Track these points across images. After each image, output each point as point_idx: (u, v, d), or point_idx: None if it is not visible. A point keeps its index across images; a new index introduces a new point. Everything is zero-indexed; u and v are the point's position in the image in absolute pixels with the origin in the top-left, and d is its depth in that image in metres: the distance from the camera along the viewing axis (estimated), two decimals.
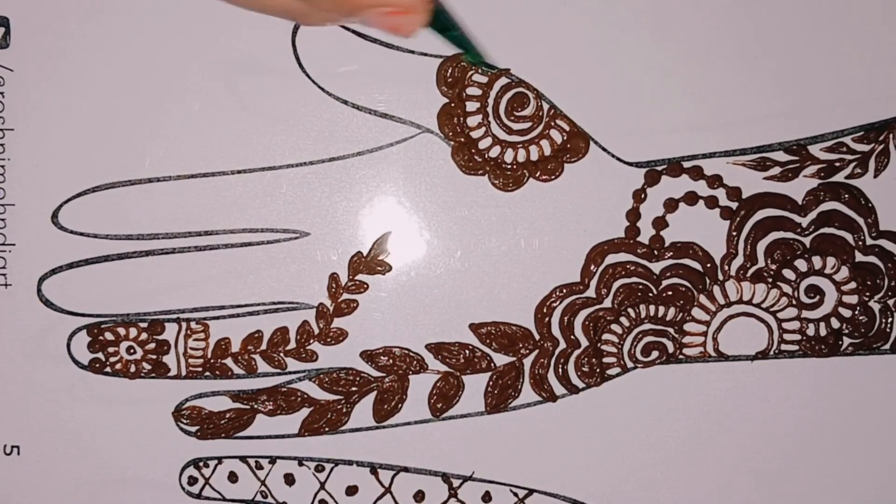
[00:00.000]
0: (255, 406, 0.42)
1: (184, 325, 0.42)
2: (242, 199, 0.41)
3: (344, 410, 0.42)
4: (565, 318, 0.42)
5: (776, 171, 0.41)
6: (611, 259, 0.41)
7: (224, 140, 0.41)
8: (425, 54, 0.41)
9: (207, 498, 0.43)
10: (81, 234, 0.42)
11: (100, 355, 0.42)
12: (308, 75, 0.41)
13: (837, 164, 0.41)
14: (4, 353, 0.42)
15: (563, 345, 0.42)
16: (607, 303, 0.42)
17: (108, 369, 0.42)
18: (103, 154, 0.41)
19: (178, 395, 0.42)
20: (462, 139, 0.41)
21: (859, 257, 0.41)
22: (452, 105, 0.41)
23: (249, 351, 0.42)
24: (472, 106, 0.41)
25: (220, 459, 0.43)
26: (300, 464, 0.43)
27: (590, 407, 0.42)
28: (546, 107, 0.41)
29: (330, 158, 0.41)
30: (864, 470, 0.42)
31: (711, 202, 0.41)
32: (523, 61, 0.41)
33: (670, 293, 0.41)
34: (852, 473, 0.42)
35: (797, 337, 0.42)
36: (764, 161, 0.41)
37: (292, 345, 0.42)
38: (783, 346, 0.42)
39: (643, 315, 0.42)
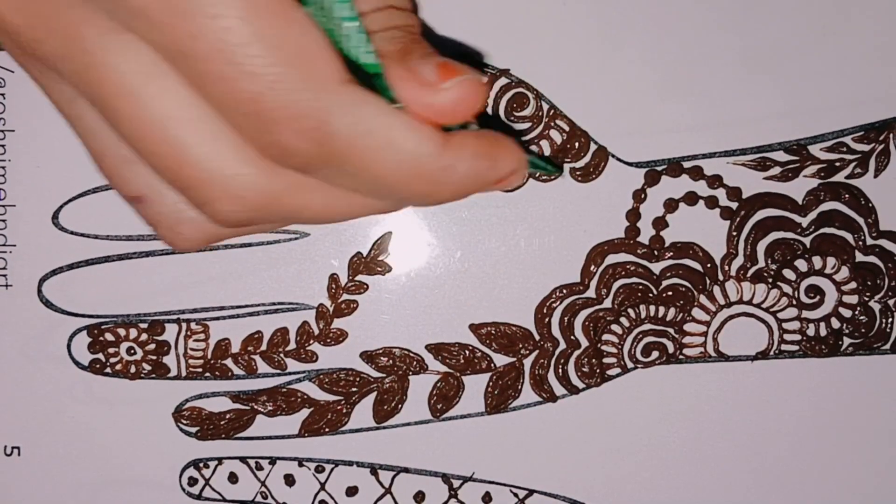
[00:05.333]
0: (256, 407, 0.42)
1: (184, 325, 0.42)
2: None
3: (344, 411, 0.42)
4: (565, 319, 0.42)
5: (776, 171, 0.41)
6: (611, 259, 0.41)
7: None
8: None
9: (208, 499, 0.43)
10: (82, 234, 0.42)
11: (100, 356, 0.42)
12: None
13: (837, 164, 0.41)
14: (4, 353, 0.42)
15: (563, 345, 0.42)
16: (607, 303, 0.42)
17: (108, 370, 0.42)
18: None
19: (179, 395, 0.42)
20: None
21: (860, 257, 0.41)
22: None
23: (249, 351, 0.42)
24: None
25: (220, 460, 0.43)
26: (300, 464, 0.43)
27: (590, 407, 0.42)
28: (546, 107, 0.41)
29: None
30: (864, 470, 0.42)
31: (711, 202, 0.41)
32: (523, 61, 0.41)
33: (670, 293, 0.41)
34: (852, 473, 0.42)
35: (797, 337, 0.42)
36: (764, 161, 0.41)
37: (292, 345, 0.42)
38: (783, 347, 0.42)
39: (643, 315, 0.42)
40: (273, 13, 0.23)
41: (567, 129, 0.41)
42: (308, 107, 0.23)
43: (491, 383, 0.42)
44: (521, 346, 0.42)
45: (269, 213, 0.26)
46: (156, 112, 0.25)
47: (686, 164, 0.41)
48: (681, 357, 0.42)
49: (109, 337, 0.42)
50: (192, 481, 0.43)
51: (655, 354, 0.42)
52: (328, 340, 0.42)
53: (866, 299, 0.42)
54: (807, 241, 0.41)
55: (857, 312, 0.42)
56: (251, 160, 0.25)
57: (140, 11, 0.23)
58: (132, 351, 0.42)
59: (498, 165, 0.27)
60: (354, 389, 0.42)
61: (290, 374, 0.42)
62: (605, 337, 0.42)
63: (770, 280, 0.41)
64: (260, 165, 0.25)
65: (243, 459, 0.43)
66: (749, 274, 0.41)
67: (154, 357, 0.42)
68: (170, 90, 0.24)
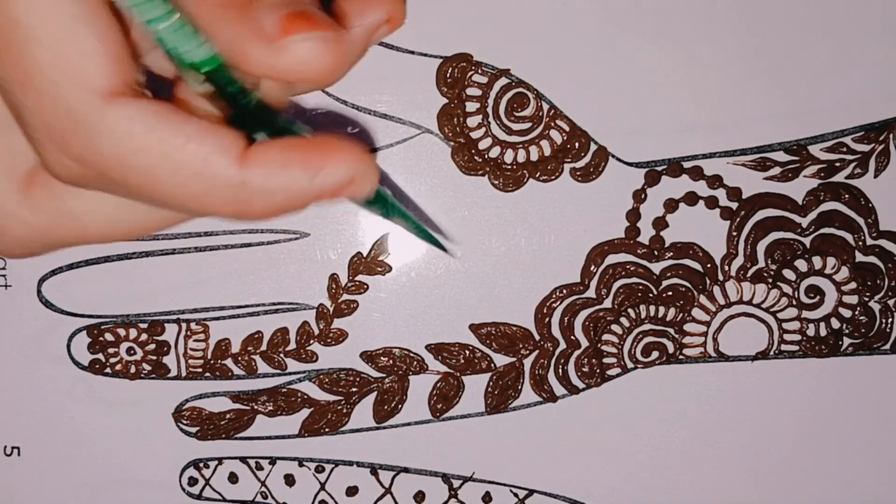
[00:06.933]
0: (256, 407, 0.42)
1: (184, 325, 0.42)
2: None
3: (344, 411, 0.42)
4: (565, 319, 0.42)
5: (776, 171, 0.41)
6: (611, 259, 0.41)
7: None
8: (425, 54, 0.41)
9: (208, 499, 0.43)
10: None
11: (100, 356, 0.42)
12: None
13: (837, 164, 0.41)
14: (4, 353, 0.42)
15: (563, 345, 0.42)
16: (607, 303, 0.42)
17: (108, 370, 0.42)
18: None
19: (179, 395, 0.42)
20: (462, 139, 0.41)
21: (859, 257, 0.41)
22: (452, 105, 0.41)
23: (249, 352, 0.42)
24: (472, 106, 0.41)
25: (220, 460, 0.43)
26: (300, 464, 0.43)
27: (590, 407, 0.42)
28: (546, 107, 0.41)
29: None
30: (865, 470, 0.42)
31: (711, 202, 0.41)
32: (523, 61, 0.41)
33: (670, 293, 0.41)
34: (852, 473, 0.42)
35: (797, 337, 0.42)
36: (764, 161, 0.41)
37: (292, 345, 0.42)
38: (783, 347, 0.42)
39: (643, 315, 0.42)
40: (58, 7, 0.20)
41: (567, 129, 0.41)
42: (64, 124, 0.21)
43: (491, 383, 0.42)
44: (521, 346, 0.42)
45: (42, 243, 0.24)
46: None
47: (686, 164, 0.41)
48: (681, 357, 0.42)
49: (109, 337, 0.42)
50: (192, 481, 0.43)
51: (655, 354, 0.42)
52: (328, 340, 0.42)
53: (866, 299, 0.42)
54: (807, 241, 0.41)
55: (857, 312, 0.42)
56: (12, 193, 0.23)
57: None
58: (132, 351, 0.42)
59: (320, 176, 0.22)
60: (354, 389, 0.42)
61: (290, 374, 0.42)
62: (605, 337, 0.42)
63: (770, 280, 0.41)
64: (22, 199, 0.23)
65: (243, 459, 0.43)
66: (749, 274, 0.41)
67: (154, 357, 0.42)
68: None
